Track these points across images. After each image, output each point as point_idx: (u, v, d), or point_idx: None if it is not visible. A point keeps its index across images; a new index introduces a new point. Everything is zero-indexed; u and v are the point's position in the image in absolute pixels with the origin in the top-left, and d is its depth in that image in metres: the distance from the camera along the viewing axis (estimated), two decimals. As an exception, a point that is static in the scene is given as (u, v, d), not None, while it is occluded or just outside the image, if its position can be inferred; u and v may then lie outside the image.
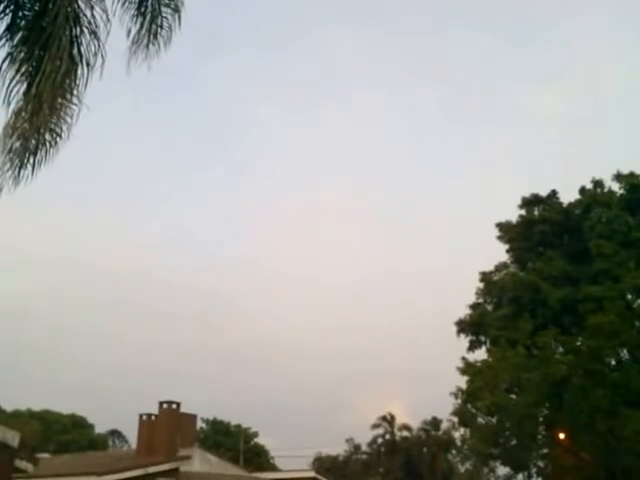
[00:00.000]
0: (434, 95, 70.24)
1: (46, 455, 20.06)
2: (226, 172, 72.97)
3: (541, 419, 20.47)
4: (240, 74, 67.88)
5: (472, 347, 23.10)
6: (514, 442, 19.77)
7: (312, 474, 18.67)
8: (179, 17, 4.47)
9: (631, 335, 18.61)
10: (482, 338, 23.11)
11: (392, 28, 67.84)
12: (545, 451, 20.44)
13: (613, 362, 20.04)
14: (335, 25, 65.00)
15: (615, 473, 17.49)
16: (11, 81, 3.55)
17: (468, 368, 21.90)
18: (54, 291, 55.32)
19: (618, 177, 22.10)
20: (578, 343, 19.90)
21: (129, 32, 4.23)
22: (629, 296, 20.49)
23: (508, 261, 23.82)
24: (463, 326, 23.15)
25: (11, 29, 3.72)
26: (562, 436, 18.94)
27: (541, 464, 20.46)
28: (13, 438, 7.78)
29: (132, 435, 22.78)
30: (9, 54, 3.63)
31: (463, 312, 23.32)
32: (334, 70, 70.03)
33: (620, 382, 17.77)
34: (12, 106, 3.53)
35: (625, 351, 19.91)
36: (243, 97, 69.52)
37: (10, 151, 3.70)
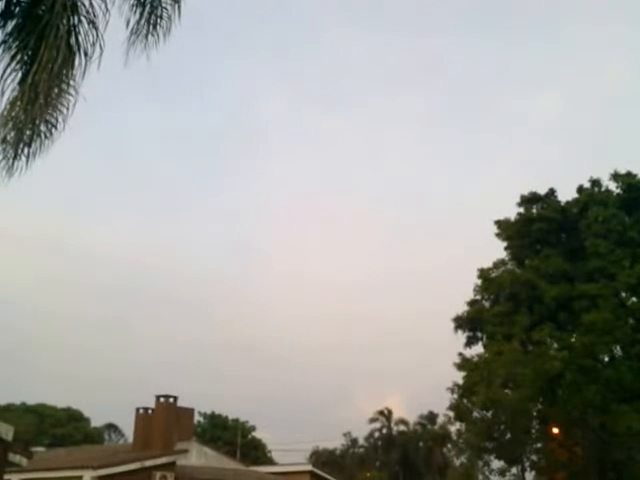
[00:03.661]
0: (434, 96, 70.36)
1: (41, 449, 19.99)
2: (241, 170, 73.52)
3: (535, 414, 20.73)
4: (250, 76, 68.04)
5: (469, 343, 23.35)
6: (508, 436, 20.02)
7: (309, 468, 18.79)
8: (179, 8, 4.37)
9: (624, 332, 18.83)
10: (479, 334, 23.31)
11: (392, 32, 67.63)
12: (539, 445, 20.72)
13: (606, 359, 20.29)
14: (340, 30, 64.84)
15: (606, 467, 17.76)
16: (5, 69, 3.46)
17: (465, 363, 22.09)
18: (52, 280, 55.14)
19: (615, 176, 22.25)
20: (572, 340, 20.10)
21: (128, 22, 4.13)
22: (623, 294, 20.73)
23: (506, 258, 23.98)
24: (460, 322, 23.33)
25: (5, 16, 3.61)
26: (555, 431, 19.20)
27: (535, 458, 20.76)
28: (7, 432, 7.71)
29: (129, 429, 22.84)
30: (3, 41, 3.53)
31: (461, 309, 23.53)
32: (335, 75, 70.07)
33: (613, 379, 18.00)
34: (7, 95, 3.44)
35: (618, 348, 20.16)
36: (251, 98, 69.88)
37: (4, 141, 3.61)
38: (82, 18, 3.76)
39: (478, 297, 23.84)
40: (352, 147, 75.16)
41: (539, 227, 22.74)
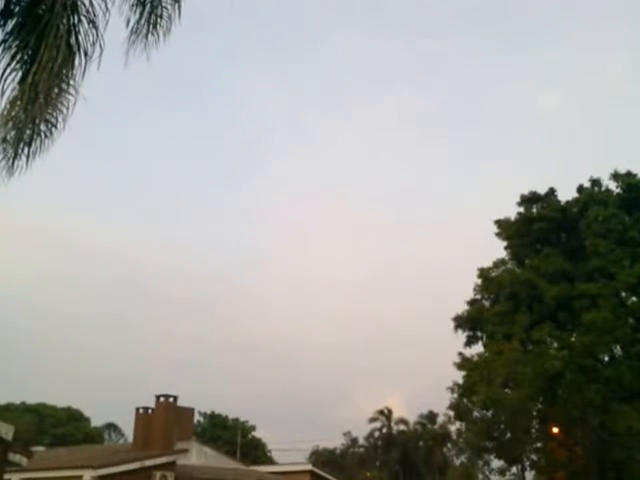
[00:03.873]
0: (435, 95, 70.42)
1: (41, 448, 20.02)
2: (242, 172, 73.83)
3: (535, 413, 20.73)
4: (253, 78, 68.18)
5: (469, 342, 23.37)
6: (508, 436, 20.02)
7: (309, 467, 18.82)
8: (179, 7, 4.37)
9: (624, 332, 18.82)
10: (479, 333, 23.33)
11: (392, 32, 67.65)
12: (539, 445, 20.72)
13: (606, 358, 20.29)
14: (339, 31, 64.91)
15: (606, 467, 17.76)
16: (5, 68, 3.46)
17: (465, 363, 22.11)
18: (52, 279, 55.13)
19: (615, 176, 22.26)
20: (572, 339, 20.11)
21: (128, 22, 4.13)
22: (623, 294, 20.73)
23: (506, 258, 24.00)
24: (461, 322, 23.35)
25: (4, 15, 3.61)
26: (555, 430, 19.19)
27: (534, 457, 20.76)
28: (7, 431, 7.73)
29: (129, 429, 22.86)
30: (3, 41, 3.53)
31: (461, 308, 23.55)
32: (335, 75, 70.11)
33: (613, 378, 18.00)
34: (7, 95, 3.44)
35: (618, 348, 20.17)
36: (251, 98, 70.00)
37: (4, 141, 3.61)
38: (82, 17, 3.76)
39: (478, 296, 23.87)
40: (352, 147, 75.31)
41: (539, 227, 22.75)
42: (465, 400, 21.67)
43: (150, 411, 14.52)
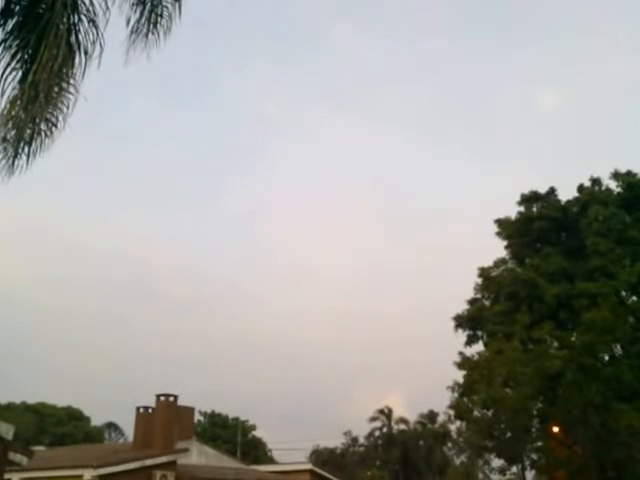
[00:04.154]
0: (435, 94, 70.50)
1: (41, 448, 20.05)
2: (242, 171, 73.76)
3: (535, 412, 20.74)
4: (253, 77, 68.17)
5: (469, 342, 23.38)
6: (509, 435, 20.03)
7: (309, 466, 18.85)
8: (179, 6, 4.36)
9: (624, 331, 18.82)
10: (479, 333, 23.36)
11: (393, 31, 67.72)
12: (539, 444, 20.73)
13: (606, 357, 20.30)
14: (342, 26, 64.89)
15: (606, 466, 17.78)
16: (6, 68, 3.45)
17: (465, 362, 22.12)
18: (53, 278, 55.20)
19: (616, 175, 22.29)
20: (573, 338, 20.12)
21: (128, 21, 4.13)
22: (623, 293, 20.75)
23: (506, 257, 24.02)
24: (461, 321, 23.37)
25: (4, 14, 3.60)
26: (556, 429, 19.20)
27: (535, 457, 20.78)
28: (7, 431, 7.74)
29: (129, 428, 22.89)
30: (4, 40, 3.53)
31: (461, 307, 23.58)
32: (335, 75, 70.24)
33: (613, 377, 17.99)
34: (7, 94, 3.43)
35: (618, 347, 20.18)
36: (251, 98, 69.96)
37: (4, 140, 3.61)
38: (82, 16, 3.75)
39: (478, 296, 23.90)
40: (352, 147, 75.39)
41: (539, 226, 22.77)
42: (465, 399, 21.67)
43: (150, 410, 14.53)
